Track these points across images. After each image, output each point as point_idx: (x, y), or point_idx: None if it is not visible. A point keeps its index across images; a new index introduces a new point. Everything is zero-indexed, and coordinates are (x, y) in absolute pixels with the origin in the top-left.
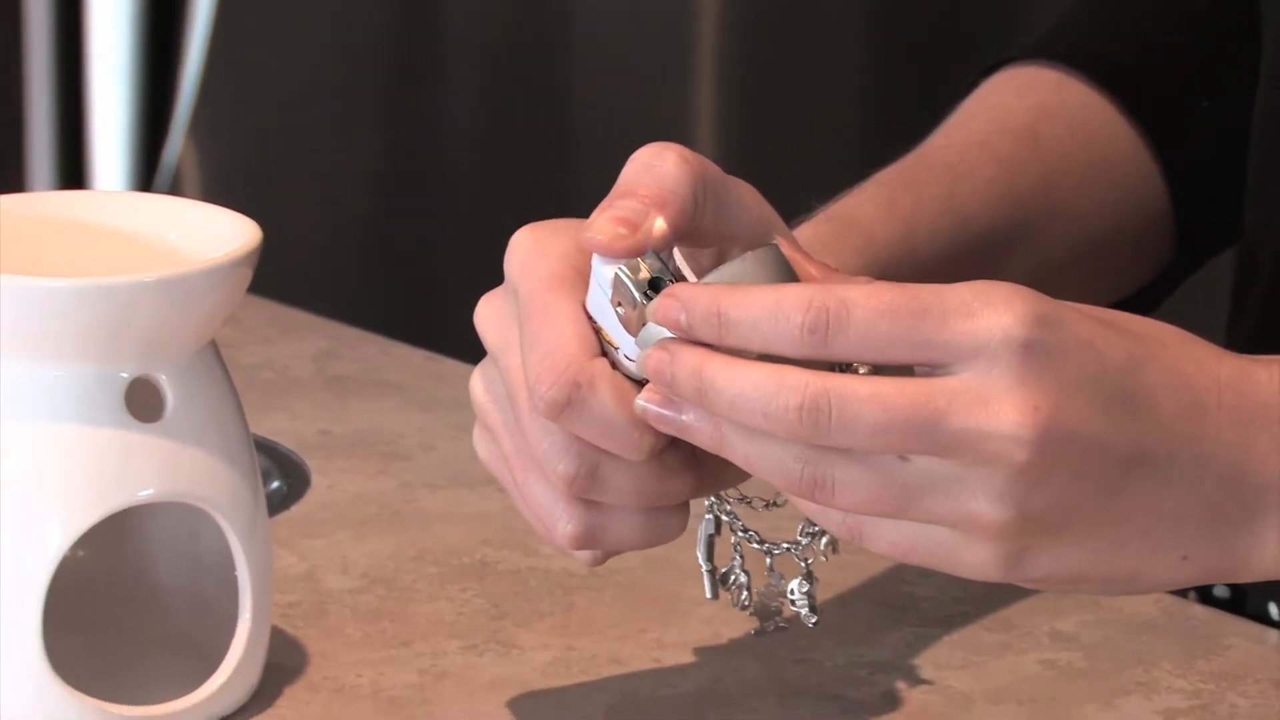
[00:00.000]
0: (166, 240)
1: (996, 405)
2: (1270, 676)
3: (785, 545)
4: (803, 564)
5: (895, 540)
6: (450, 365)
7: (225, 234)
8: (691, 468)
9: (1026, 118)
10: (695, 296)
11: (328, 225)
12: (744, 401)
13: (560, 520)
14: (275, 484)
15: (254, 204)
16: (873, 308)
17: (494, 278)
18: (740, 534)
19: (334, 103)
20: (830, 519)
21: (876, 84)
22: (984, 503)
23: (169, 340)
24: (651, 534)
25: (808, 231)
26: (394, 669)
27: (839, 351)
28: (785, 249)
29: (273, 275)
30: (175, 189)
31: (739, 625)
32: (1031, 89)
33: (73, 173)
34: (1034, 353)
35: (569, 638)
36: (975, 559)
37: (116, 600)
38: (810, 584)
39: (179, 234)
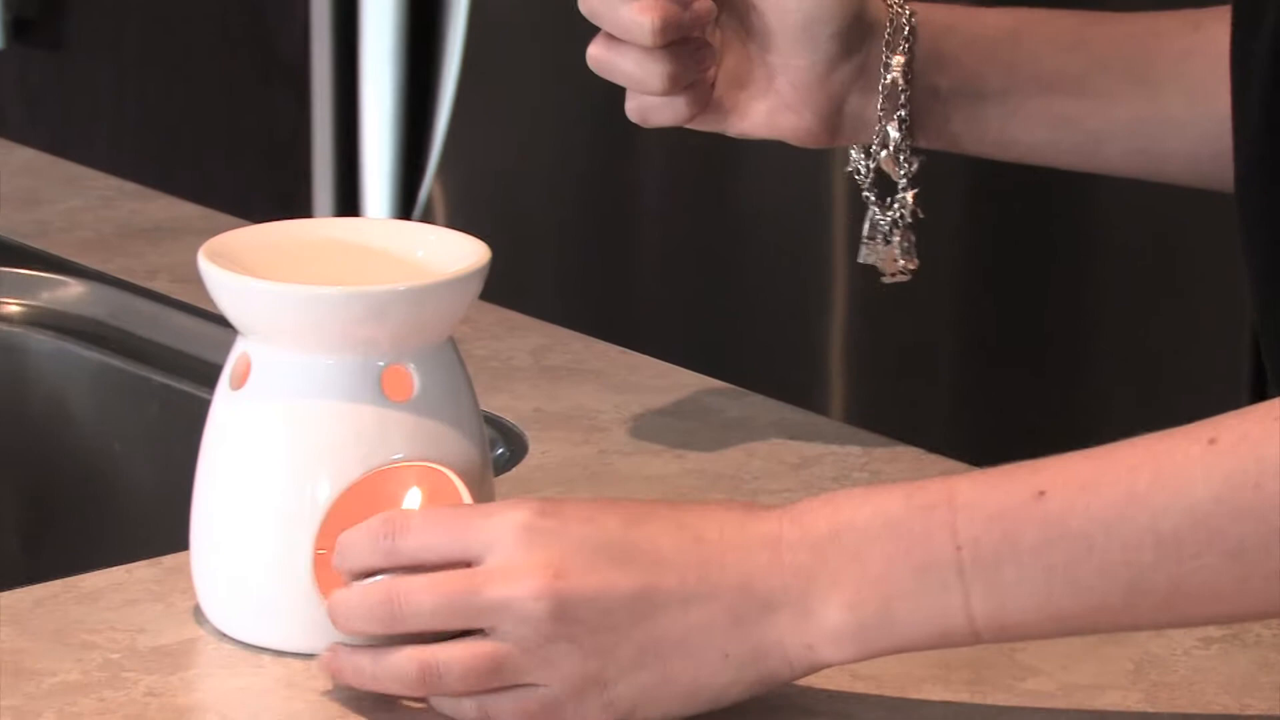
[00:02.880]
0: (416, 257)
1: (515, 574)
2: None
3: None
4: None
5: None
6: (639, 358)
7: (462, 253)
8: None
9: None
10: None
11: (544, 246)
12: (349, 612)
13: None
14: (500, 450)
15: (486, 229)
16: (425, 517)
17: (677, 288)
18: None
19: (548, 146)
20: (463, 709)
21: None
22: (545, 652)
23: (416, 336)
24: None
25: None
26: None
27: (407, 552)
28: None
29: (500, 285)
30: (425, 217)
31: None
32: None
33: (348, 204)
34: (536, 530)
35: None
36: (585, 713)
37: None
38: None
39: (426, 252)
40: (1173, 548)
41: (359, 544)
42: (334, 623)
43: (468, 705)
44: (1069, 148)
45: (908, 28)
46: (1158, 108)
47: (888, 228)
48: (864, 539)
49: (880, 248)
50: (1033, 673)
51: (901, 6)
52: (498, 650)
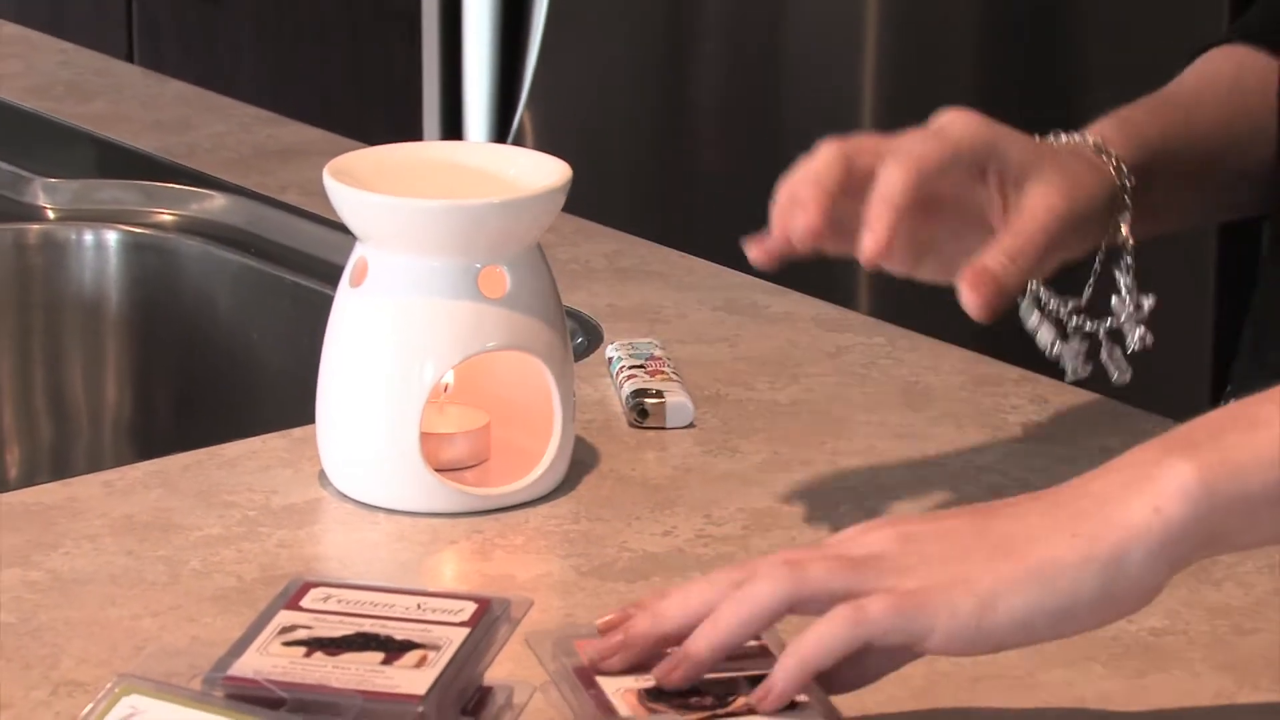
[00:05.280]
0: (508, 175)
1: (861, 534)
2: None
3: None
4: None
5: (890, 601)
6: (696, 261)
7: (548, 172)
8: None
9: (1232, 70)
10: None
11: (617, 166)
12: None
13: None
14: (579, 339)
15: (568, 152)
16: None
17: (729, 201)
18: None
19: (621, 83)
20: (839, 613)
21: (990, 78)
22: (904, 563)
23: (508, 242)
24: None
25: (1107, 127)
26: (656, 465)
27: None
28: None
29: (580, 199)
30: (517, 141)
31: (890, 442)
32: (1230, 56)
33: (452, 130)
34: (884, 523)
35: (774, 445)
36: (936, 587)
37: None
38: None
39: (517, 171)
40: None
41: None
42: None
43: (840, 609)
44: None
45: (1128, 197)
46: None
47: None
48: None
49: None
50: None
51: (1125, 179)
52: (855, 562)
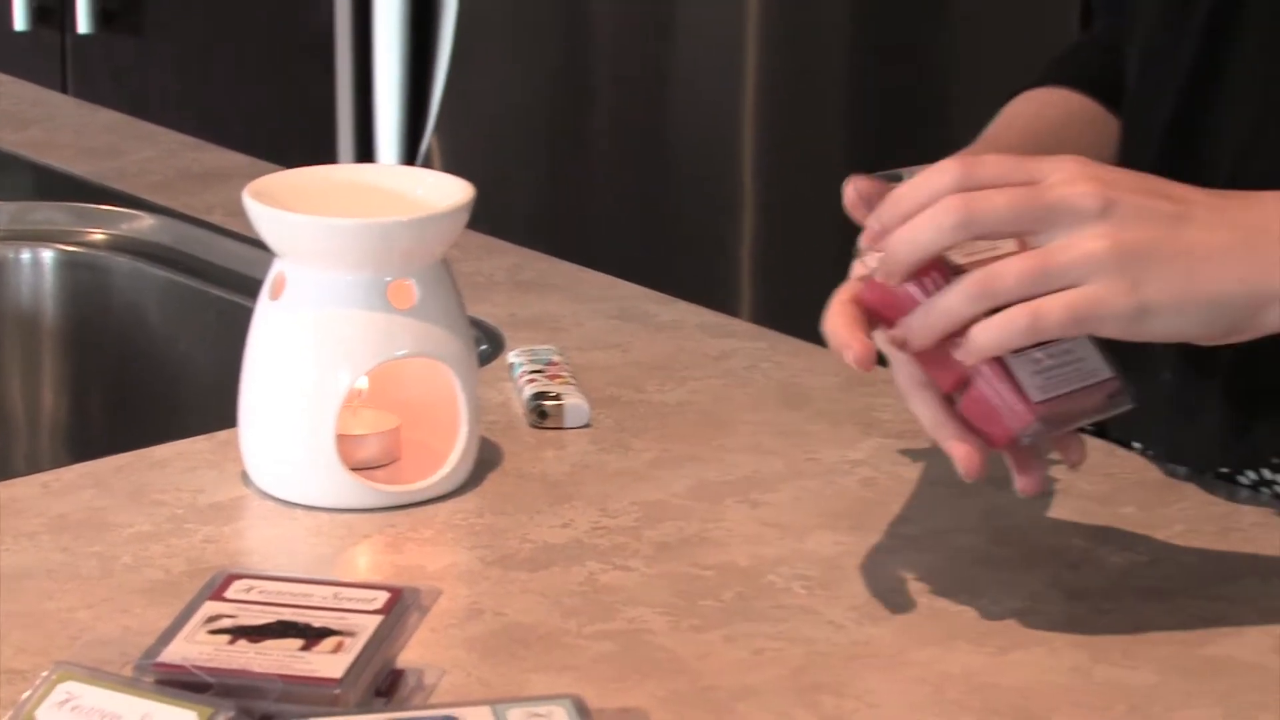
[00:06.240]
0: (416, 195)
1: (1072, 182)
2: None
3: None
4: None
5: (1064, 305)
6: (591, 273)
7: (452, 191)
8: None
9: (1043, 108)
10: None
11: (517, 185)
12: (924, 223)
13: None
14: (483, 346)
15: (472, 173)
16: (995, 158)
17: (621, 219)
18: None
19: (520, 109)
20: (1013, 319)
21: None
22: (1087, 239)
23: (416, 257)
24: None
25: None
26: (555, 463)
27: (983, 177)
28: None
29: (483, 217)
30: (425, 163)
31: (772, 439)
32: (1045, 94)
33: (364, 153)
34: (1089, 164)
35: (664, 443)
36: (1107, 292)
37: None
38: None
39: (424, 190)
40: None
41: (934, 183)
42: (900, 254)
43: (1018, 313)
44: None
45: None
46: None
47: None
48: None
49: None
50: (902, 520)
51: None
52: (1048, 253)
